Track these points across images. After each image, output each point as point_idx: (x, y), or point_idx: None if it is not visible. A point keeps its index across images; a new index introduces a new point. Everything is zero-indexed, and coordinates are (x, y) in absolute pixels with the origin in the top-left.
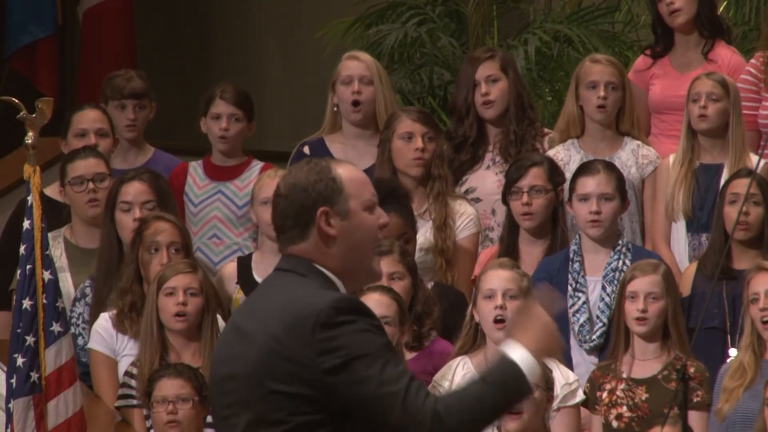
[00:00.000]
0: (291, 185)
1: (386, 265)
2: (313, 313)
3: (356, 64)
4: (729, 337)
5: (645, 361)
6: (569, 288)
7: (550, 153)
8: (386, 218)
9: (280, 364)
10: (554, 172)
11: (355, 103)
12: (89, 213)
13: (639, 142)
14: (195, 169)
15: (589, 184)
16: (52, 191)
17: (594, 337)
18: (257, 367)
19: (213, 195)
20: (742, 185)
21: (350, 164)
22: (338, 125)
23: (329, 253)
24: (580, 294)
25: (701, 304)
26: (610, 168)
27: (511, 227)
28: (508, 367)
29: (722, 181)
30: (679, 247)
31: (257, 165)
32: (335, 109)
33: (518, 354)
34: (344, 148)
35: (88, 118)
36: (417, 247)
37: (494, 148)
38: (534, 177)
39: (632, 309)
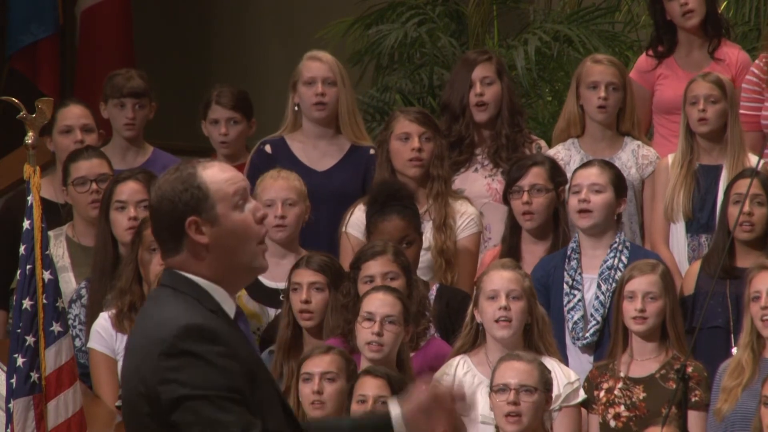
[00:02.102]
0: (159, 197)
1: (380, 265)
2: (160, 341)
3: (319, 66)
4: (733, 336)
5: (643, 361)
6: (565, 285)
7: (551, 152)
8: (262, 210)
9: (137, 394)
10: (555, 171)
11: (319, 105)
12: (92, 214)
13: (639, 143)
14: None
15: (581, 176)
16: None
17: (587, 334)
18: (127, 392)
19: None
20: (747, 185)
21: (217, 164)
22: (299, 124)
23: (205, 260)
24: (575, 291)
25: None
26: (608, 165)
27: (513, 228)
28: (382, 420)
29: (721, 182)
30: (679, 248)
31: None
32: (296, 108)
33: (395, 412)
34: (305, 148)
35: (72, 114)
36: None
37: (483, 152)
38: (535, 176)
39: (630, 309)
